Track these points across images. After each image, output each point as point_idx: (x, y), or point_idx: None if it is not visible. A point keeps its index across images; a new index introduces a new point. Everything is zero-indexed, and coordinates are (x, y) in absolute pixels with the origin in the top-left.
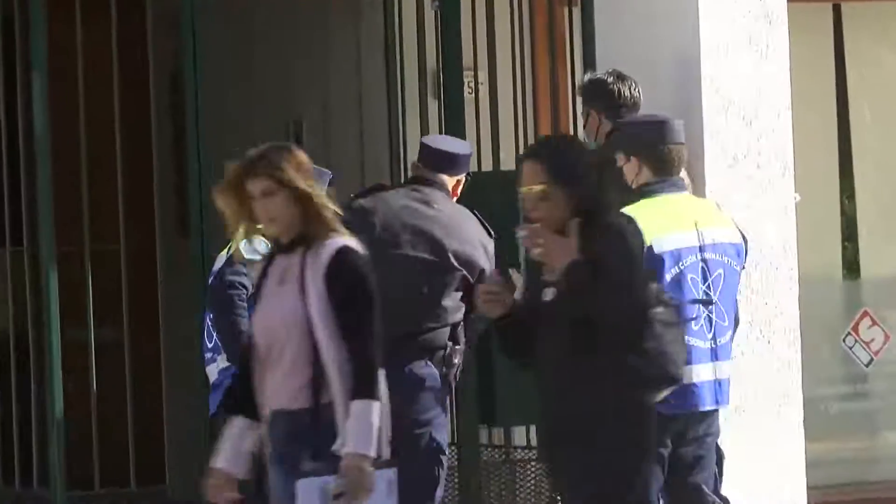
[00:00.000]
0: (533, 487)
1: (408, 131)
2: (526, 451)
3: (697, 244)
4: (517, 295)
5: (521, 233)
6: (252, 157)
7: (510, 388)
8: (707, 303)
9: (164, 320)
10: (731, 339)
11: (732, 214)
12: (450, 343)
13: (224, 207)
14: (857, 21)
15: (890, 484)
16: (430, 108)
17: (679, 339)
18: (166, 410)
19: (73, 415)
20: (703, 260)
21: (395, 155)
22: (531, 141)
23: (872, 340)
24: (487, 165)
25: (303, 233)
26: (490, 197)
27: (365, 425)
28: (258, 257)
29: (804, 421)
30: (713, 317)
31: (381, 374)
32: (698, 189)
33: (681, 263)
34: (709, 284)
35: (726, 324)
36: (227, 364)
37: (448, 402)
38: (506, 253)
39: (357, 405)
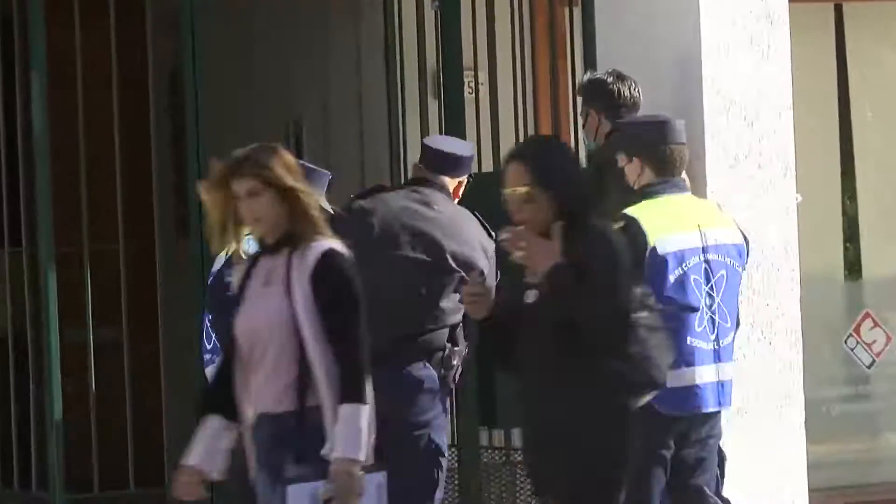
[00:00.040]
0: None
1: (408, 131)
2: None
3: (700, 245)
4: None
5: (503, 235)
6: (238, 157)
7: (510, 389)
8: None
9: (163, 321)
10: (734, 340)
11: (734, 215)
12: (448, 345)
13: (210, 207)
14: (858, 21)
15: (891, 486)
16: (430, 108)
17: (663, 343)
18: (165, 411)
19: (71, 416)
20: (706, 261)
21: (395, 155)
22: None
23: (874, 342)
24: (487, 165)
25: (289, 232)
26: (490, 197)
27: (354, 429)
28: None
29: (805, 422)
30: (716, 318)
31: (369, 378)
32: (699, 189)
33: (684, 265)
34: (711, 286)
35: (729, 325)
36: None
37: (448, 403)
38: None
39: (345, 409)
